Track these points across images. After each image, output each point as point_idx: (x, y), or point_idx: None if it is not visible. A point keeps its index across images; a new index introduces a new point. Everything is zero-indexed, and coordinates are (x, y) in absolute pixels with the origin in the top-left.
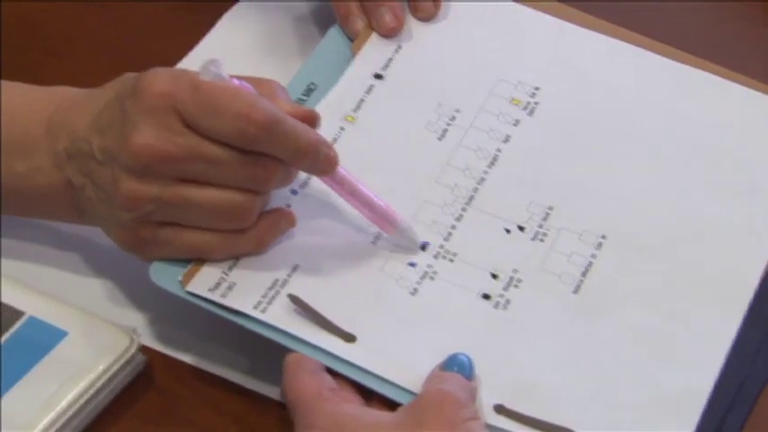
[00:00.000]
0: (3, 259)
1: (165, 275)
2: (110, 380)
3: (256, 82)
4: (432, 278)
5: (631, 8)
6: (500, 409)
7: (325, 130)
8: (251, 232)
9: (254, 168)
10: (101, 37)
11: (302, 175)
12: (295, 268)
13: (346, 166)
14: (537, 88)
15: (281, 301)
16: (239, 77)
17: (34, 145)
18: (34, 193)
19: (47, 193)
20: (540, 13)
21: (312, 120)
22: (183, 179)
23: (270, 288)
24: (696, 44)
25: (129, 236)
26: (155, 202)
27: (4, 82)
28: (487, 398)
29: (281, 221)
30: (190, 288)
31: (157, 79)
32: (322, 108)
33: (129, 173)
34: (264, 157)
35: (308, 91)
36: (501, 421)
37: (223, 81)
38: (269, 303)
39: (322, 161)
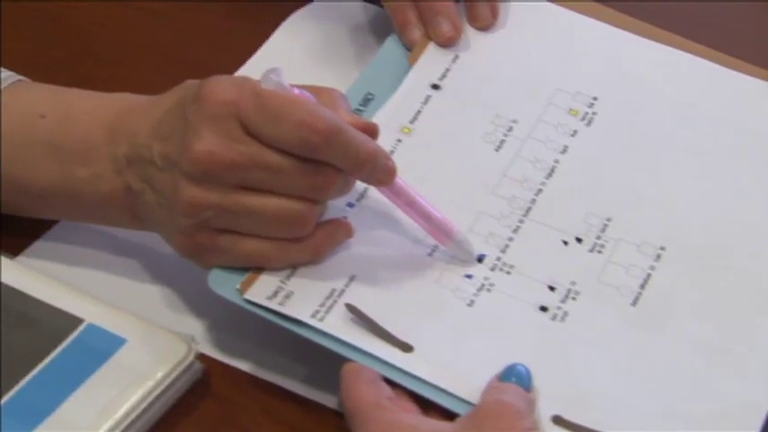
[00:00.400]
0: (62, 266)
1: (223, 283)
2: (168, 387)
3: (317, 91)
4: (488, 290)
5: (678, 9)
6: (558, 420)
7: (382, 142)
8: (308, 242)
9: (314, 177)
10: (157, 45)
11: (359, 186)
12: (352, 278)
13: (403, 177)
14: (595, 98)
15: (339, 311)
16: (300, 86)
17: (95, 151)
18: (95, 199)
19: (107, 199)
20: (597, 23)
21: (372, 132)
22: (243, 187)
23: (327, 297)
24: (747, 48)
25: (188, 242)
26: (214, 209)
27: (65, 88)
28: (545, 409)
29: (338, 232)
30: (248, 296)
31: (220, 87)
32: (379, 119)
33: (190, 179)
34: (324, 166)
35: (366, 101)
36: None
37: (284, 90)
38: (326, 312)
39: (380, 171)
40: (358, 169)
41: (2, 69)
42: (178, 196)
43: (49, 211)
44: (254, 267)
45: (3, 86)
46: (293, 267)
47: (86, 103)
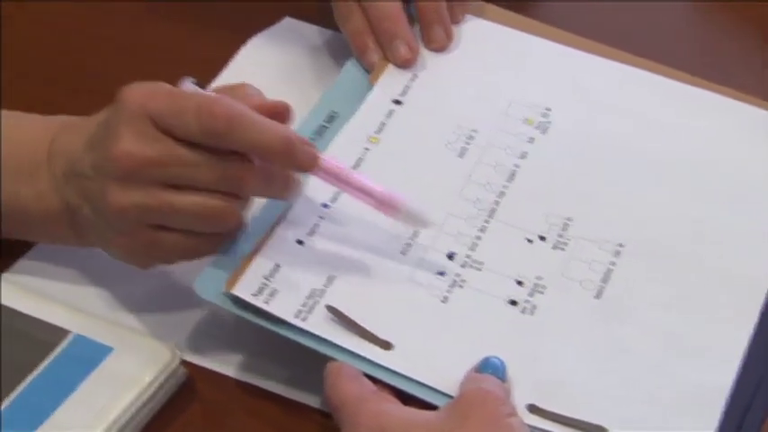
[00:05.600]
0: (46, 282)
1: (208, 289)
2: (155, 392)
3: (230, 88)
4: (461, 286)
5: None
6: (533, 409)
7: (350, 152)
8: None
9: (226, 169)
10: (119, 73)
11: (333, 188)
12: (331, 279)
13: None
14: (548, 109)
15: (320, 311)
16: (216, 89)
17: (37, 171)
18: (40, 217)
19: (50, 216)
20: (544, 40)
21: (282, 111)
22: (165, 185)
23: (308, 297)
24: (689, 62)
25: (123, 240)
26: (140, 208)
27: (8, 112)
28: (520, 398)
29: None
30: (235, 291)
31: (135, 90)
32: (345, 132)
33: (114, 181)
34: (235, 157)
35: (330, 119)
36: (535, 420)
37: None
38: (308, 313)
39: (300, 157)
40: (270, 154)
41: None
42: (106, 200)
43: (3, 230)
44: (238, 267)
45: None
46: (277, 265)
47: (29, 124)
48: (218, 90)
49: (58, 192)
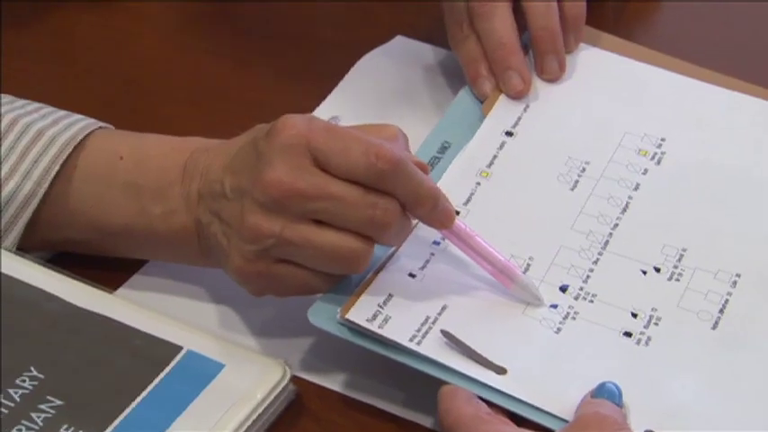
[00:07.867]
0: (158, 298)
1: (322, 318)
2: (267, 408)
3: (378, 129)
4: (573, 318)
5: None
6: None
7: (463, 186)
8: None
9: (375, 210)
10: (232, 88)
11: None
12: (444, 308)
13: (485, 218)
14: (663, 139)
15: (434, 337)
16: (359, 127)
17: (170, 189)
18: (167, 235)
19: (178, 235)
20: (657, 68)
21: (424, 170)
22: (307, 219)
23: (422, 324)
24: None
25: (246, 266)
26: (276, 238)
27: (142, 133)
28: (637, 425)
29: None
30: (349, 316)
31: (293, 121)
32: (458, 165)
33: (258, 206)
34: (386, 200)
35: (443, 149)
36: None
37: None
38: (422, 338)
39: (441, 212)
40: (420, 204)
41: (84, 117)
42: (244, 222)
43: (122, 249)
44: (351, 297)
45: (87, 132)
46: (390, 294)
47: (162, 144)
48: (367, 127)
49: (189, 209)
